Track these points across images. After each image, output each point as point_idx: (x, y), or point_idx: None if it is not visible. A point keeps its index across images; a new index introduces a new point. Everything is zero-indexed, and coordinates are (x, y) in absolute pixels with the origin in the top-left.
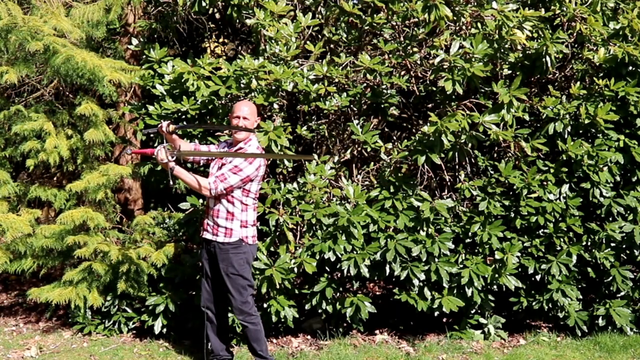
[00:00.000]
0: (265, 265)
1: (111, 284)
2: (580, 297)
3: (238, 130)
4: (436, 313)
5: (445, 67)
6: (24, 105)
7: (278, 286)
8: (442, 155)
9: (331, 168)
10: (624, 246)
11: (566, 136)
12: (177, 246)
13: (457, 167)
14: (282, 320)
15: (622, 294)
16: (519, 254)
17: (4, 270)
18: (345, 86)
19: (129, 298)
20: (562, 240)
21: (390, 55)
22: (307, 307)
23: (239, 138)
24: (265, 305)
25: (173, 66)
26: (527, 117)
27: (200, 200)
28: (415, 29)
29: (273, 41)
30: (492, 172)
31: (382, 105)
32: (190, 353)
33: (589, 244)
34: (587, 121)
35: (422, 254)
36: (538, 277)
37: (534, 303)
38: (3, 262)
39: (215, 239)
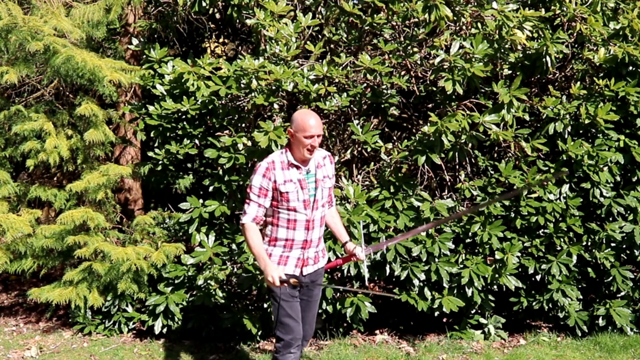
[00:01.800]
0: None
1: (111, 284)
2: (581, 297)
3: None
4: (436, 313)
5: (445, 67)
6: (24, 105)
7: None
8: (442, 155)
9: None
10: (624, 246)
11: (566, 136)
12: (177, 246)
13: (457, 167)
14: None
15: (622, 294)
16: (519, 254)
17: (4, 270)
18: (346, 86)
19: (129, 298)
20: (562, 240)
21: (391, 55)
22: None
23: (315, 152)
24: (265, 306)
25: (173, 66)
26: (527, 117)
27: (283, 234)
28: (416, 29)
29: (273, 41)
30: (492, 172)
31: (382, 105)
32: (191, 353)
33: (589, 244)
34: (587, 121)
35: (422, 254)
36: (538, 277)
37: (534, 303)
38: (3, 262)
39: (319, 266)
